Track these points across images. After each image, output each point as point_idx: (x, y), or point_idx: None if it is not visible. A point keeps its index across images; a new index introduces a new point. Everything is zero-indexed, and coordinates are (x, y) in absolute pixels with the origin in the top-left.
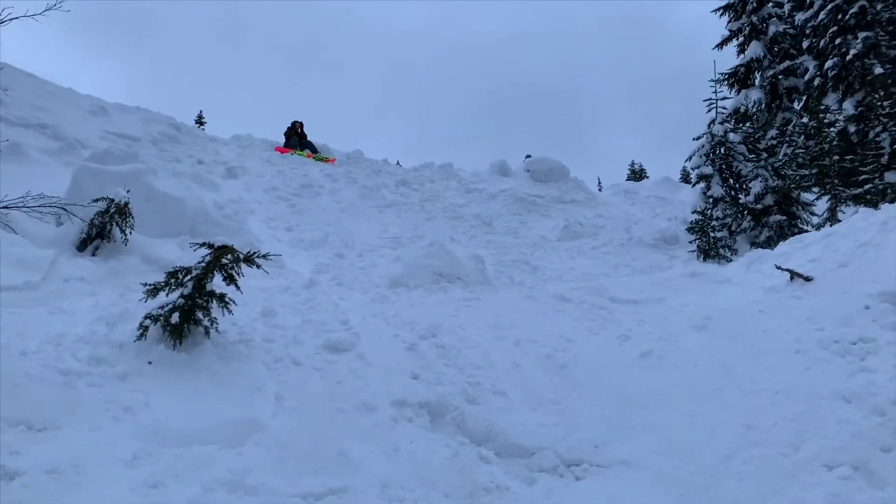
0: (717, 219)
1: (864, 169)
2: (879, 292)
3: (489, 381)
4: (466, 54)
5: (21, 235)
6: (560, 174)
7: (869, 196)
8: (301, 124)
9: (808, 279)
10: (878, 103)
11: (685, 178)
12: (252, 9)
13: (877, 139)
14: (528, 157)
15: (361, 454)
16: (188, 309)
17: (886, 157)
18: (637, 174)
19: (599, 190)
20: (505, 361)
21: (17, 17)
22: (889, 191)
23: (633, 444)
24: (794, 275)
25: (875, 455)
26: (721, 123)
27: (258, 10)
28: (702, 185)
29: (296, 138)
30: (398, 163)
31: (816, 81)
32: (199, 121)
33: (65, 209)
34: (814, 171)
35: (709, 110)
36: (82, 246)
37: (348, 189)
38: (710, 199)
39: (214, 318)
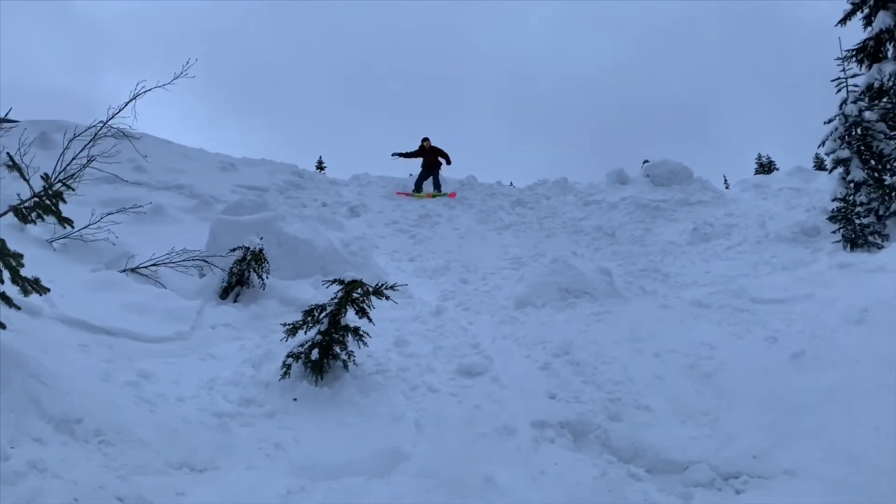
0: (862, 204)
1: None
2: None
3: (630, 396)
4: (585, 84)
5: (169, 289)
6: (683, 176)
7: None
8: (428, 140)
9: None
10: None
11: (819, 165)
12: (367, 52)
13: None
14: (646, 162)
15: (507, 479)
16: (326, 344)
17: None
18: (765, 167)
19: (727, 188)
20: (645, 374)
21: (150, 89)
22: None
23: (795, 452)
24: None
25: None
26: (854, 102)
27: (373, 53)
28: (839, 169)
29: (423, 161)
30: (511, 184)
31: None
32: (320, 166)
33: (206, 261)
34: None
35: (839, 90)
36: (224, 294)
37: (465, 215)
38: (852, 184)
39: (351, 351)
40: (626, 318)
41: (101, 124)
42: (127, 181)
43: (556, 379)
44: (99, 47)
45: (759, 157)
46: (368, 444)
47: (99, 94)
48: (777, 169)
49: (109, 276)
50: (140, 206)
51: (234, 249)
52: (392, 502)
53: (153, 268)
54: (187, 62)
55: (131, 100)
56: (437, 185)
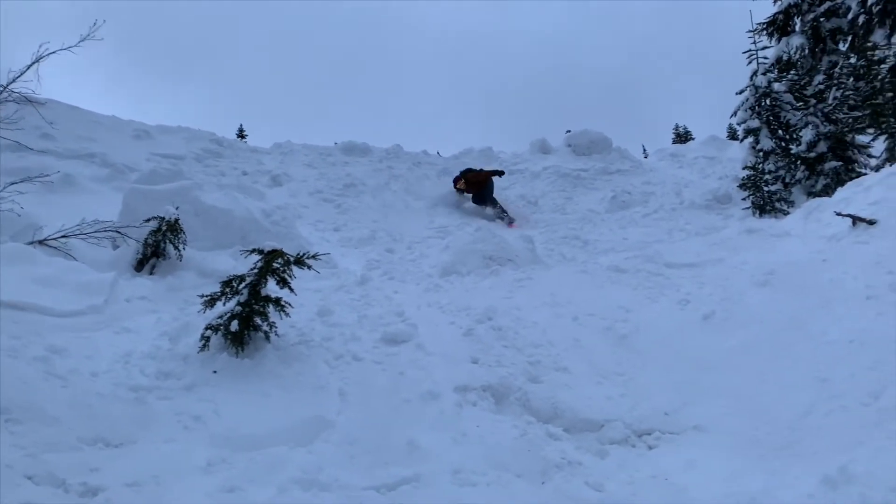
0: (770, 172)
1: None
2: None
3: (550, 359)
4: (521, 53)
5: (81, 262)
6: (603, 145)
7: None
8: (467, 175)
9: (871, 223)
10: None
11: (732, 135)
12: (299, 20)
13: None
14: (569, 132)
15: (430, 442)
16: (246, 316)
17: None
18: (682, 137)
19: (645, 157)
20: (564, 338)
21: (54, 52)
22: None
23: (704, 409)
24: (856, 220)
25: None
26: (764, 74)
27: (306, 20)
28: (750, 139)
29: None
30: (438, 153)
31: (861, 19)
32: (241, 134)
33: (119, 232)
34: (867, 111)
35: (749, 62)
36: (139, 266)
37: (391, 184)
38: (761, 153)
39: (273, 322)
40: (548, 283)
41: (1, 88)
42: (32, 149)
43: (479, 344)
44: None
45: (677, 127)
46: (291, 413)
47: None
48: (693, 139)
49: (15, 249)
50: (47, 176)
51: (148, 220)
52: (315, 470)
53: (63, 240)
54: (94, 24)
55: (34, 62)
56: (500, 213)
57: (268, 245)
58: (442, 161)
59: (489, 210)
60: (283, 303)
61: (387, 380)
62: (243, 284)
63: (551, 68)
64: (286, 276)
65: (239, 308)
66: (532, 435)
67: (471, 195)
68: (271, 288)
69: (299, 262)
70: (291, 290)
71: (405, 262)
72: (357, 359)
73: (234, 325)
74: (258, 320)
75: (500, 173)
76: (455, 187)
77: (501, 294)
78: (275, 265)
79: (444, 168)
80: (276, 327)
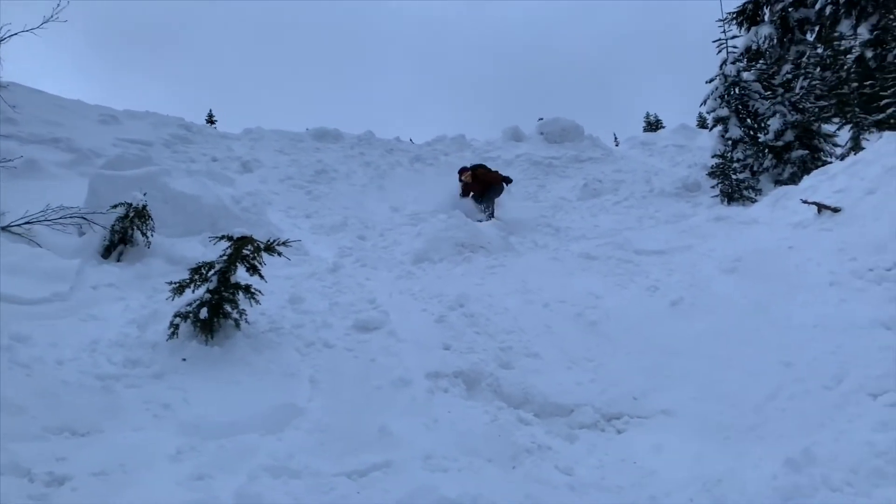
0: (738, 160)
1: (885, 93)
2: None
3: (521, 345)
4: (493, 40)
5: (46, 249)
6: (575, 133)
7: (892, 120)
8: (477, 170)
9: (836, 210)
10: (894, 24)
11: (702, 123)
12: (270, 4)
13: (895, 61)
14: (541, 119)
15: (401, 429)
16: (215, 303)
17: None
18: (653, 125)
19: (616, 145)
20: (535, 324)
21: (16, 33)
22: None
23: (672, 393)
24: (821, 207)
25: None
26: (733, 63)
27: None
28: (719, 127)
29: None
30: (410, 140)
31: (828, 10)
32: (210, 119)
33: (85, 218)
34: (833, 101)
35: (719, 51)
36: (106, 253)
37: (363, 171)
38: (729, 142)
39: (243, 309)
40: (519, 270)
41: None
42: None
43: (450, 331)
44: None
45: (648, 115)
46: (261, 401)
47: None
48: (663, 127)
49: None
50: (10, 161)
51: (115, 206)
52: (285, 457)
53: (27, 226)
54: (58, 5)
55: None
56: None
57: (237, 232)
58: (415, 148)
59: (481, 209)
60: (253, 290)
61: (358, 367)
62: (212, 271)
63: (524, 55)
64: (256, 263)
65: (208, 295)
66: (503, 420)
67: (471, 191)
68: (241, 275)
69: (269, 248)
70: (262, 277)
71: (377, 250)
72: (328, 346)
73: (204, 313)
74: (228, 308)
75: (509, 181)
76: (460, 178)
77: (473, 281)
78: (244, 252)
79: (416, 155)
80: (246, 315)
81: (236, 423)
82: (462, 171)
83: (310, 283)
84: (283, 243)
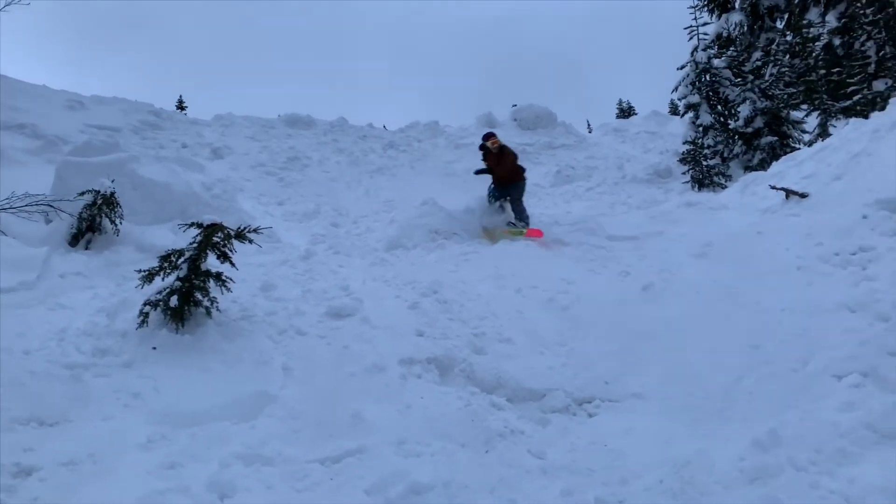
0: (709, 147)
1: (852, 80)
2: (875, 200)
3: (494, 331)
4: (467, 25)
5: (11, 237)
6: (548, 120)
7: (858, 107)
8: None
9: (803, 196)
10: (861, 12)
11: (674, 110)
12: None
13: (862, 49)
14: (514, 106)
15: (375, 415)
16: (186, 291)
17: (873, 65)
18: (626, 112)
19: (589, 132)
20: (508, 310)
21: None
22: (878, 99)
23: (642, 377)
24: (789, 193)
25: (883, 360)
26: (704, 50)
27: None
28: (690, 114)
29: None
30: (384, 127)
31: None
32: (180, 105)
33: (51, 206)
34: (801, 88)
35: (690, 38)
36: (74, 241)
37: (336, 158)
38: (700, 128)
39: (214, 297)
40: (492, 257)
41: None
42: None
43: (424, 317)
44: None
45: (620, 102)
46: (233, 389)
47: None
48: (636, 114)
49: None
50: None
51: (83, 193)
52: (258, 444)
53: None
54: None
55: None
56: (519, 214)
57: (208, 219)
58: (388, 135)
59: (505, 207)
60: (224, 278)
61: (331, 354)
62: (182, 259)
63: (498, 41)
64: (227, 251)
65: (178, 283)
66: (476, 405)
67: (490, 165)
68: (212, 263)
69: (240, 235)
70: (233, 264)
71: (351, 237)
72: (301, 333)
73: (174, 301)
74: (199, 295)
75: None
76: (484, 144)
77: (447, 267)
78: (215, 239)
79: (390, 142)
80: (217, 303)
81: (208, 411)
82: (488, 136)
83: (282, 271)
84: (255, 230)
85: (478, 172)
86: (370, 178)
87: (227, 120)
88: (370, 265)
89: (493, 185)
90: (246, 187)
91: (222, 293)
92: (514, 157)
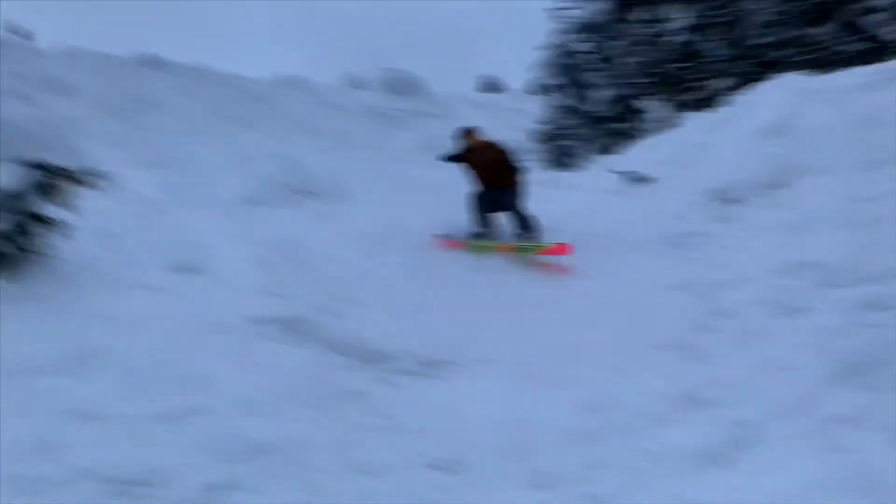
0: (564, 128)
1: (700, 75)
2: (705, 189)
3: (348, 292)
4: None
5: None
6: (415, 87)
7: (702, 100)
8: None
9: (649, 179)
10: (713, 15)
11: (536, 89)
12: None
13: (711, 47)
14: (381, 69)
15: (217, 373)
16: (18, 237)
17: (719, 63)
18: (491, 87)
19: (454, 104)
20: (362, 272)
21: None
22: (720, 95)
23: (490, 343)
24: (637, 176)
25: (694, 334)
26: (567, 34)
27: None
28: (549, 96)
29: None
30: (250, 79)
31: None
32: (23, 33)
33: None
34: (654, 79)
35: (555, 21)
36: None
37: (194, 105)
38: (557, 110)
39: (48, 244)
40: (350, 217)
41: None
42: None
43: (275, 275)
44: None
45: (486, 77)
46: (64, 342)
47: None
48: (502, 90)
49: None
50: None
51: None
52: (88, 401)
53: None
54: None
55: None
56: (524, 225)
57: (45, 160)
58: (253, 86)
59: (483, 226)
60: (59, 224)
61: (175, 310)
62: (14, 203)
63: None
64: (65, 195)
65: (7, 227)
66: (323, 366)
67: (471, 165)
68: (48, 208)
69: (80, 180)
70: (71, 210)
71: (202, 188)
72: (143, 287)
73: (4, 248)
74: (31, 242)
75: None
76: (462, 137)
77: (302, 226)
78: (52, 182)
79: (255, 94)
80: (52, 250)
81: (36, 365)
82: (468, 133)
83: (125, 220)
84: (94, 174)
85: (445, 160)
86: (229, 129)
87: (75, 53)
88: (222, 220)
89: (477, 193)
90: (90, 128)
91: (58, 241)
92: (506, 151)
